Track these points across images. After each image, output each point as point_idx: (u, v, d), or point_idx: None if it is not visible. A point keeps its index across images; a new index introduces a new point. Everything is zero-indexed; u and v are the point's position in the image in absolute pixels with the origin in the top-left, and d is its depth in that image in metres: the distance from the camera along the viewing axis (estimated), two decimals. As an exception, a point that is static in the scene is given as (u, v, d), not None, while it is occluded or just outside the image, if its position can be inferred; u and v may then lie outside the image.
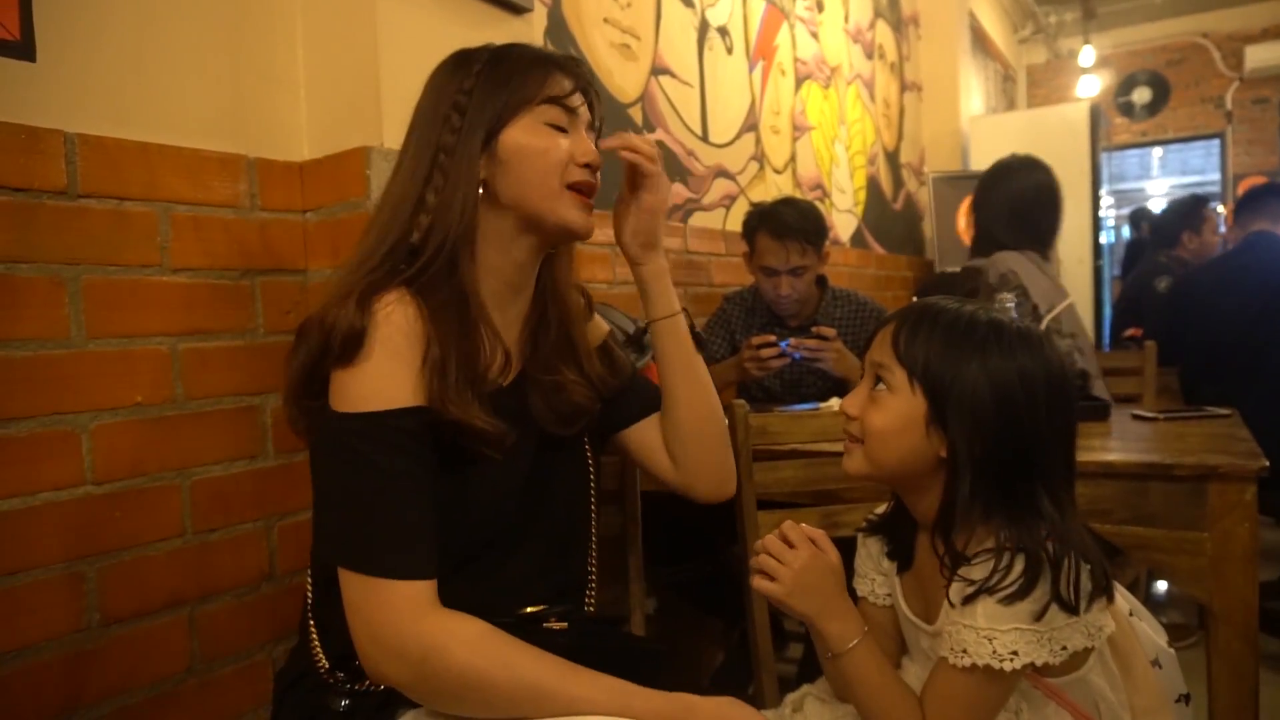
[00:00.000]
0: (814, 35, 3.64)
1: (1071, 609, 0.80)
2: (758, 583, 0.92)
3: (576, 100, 1.00)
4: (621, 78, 2.35)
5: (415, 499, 0.86)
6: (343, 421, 0.87)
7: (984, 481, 0.84)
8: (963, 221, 4.63)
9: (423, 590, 0.84)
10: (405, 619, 0.82)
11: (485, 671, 0.80)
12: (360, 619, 0.84)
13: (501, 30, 1.62)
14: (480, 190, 0.96)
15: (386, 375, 0.87)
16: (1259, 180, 7.48)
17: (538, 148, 0.97)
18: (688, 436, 1.11)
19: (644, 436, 1.14)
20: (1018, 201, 2.08)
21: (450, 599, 0.87)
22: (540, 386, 1.00)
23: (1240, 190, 6.93)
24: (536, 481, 0.99)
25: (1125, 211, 7.55)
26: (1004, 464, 0.84)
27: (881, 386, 0.89)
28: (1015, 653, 0.80)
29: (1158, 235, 3.86)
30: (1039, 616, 0.80)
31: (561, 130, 0.98)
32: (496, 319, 0.98)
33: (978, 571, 0.83)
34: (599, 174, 1.02)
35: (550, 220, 0.97)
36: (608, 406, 1.10)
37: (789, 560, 0.90)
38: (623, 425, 1.14)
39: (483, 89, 0.97)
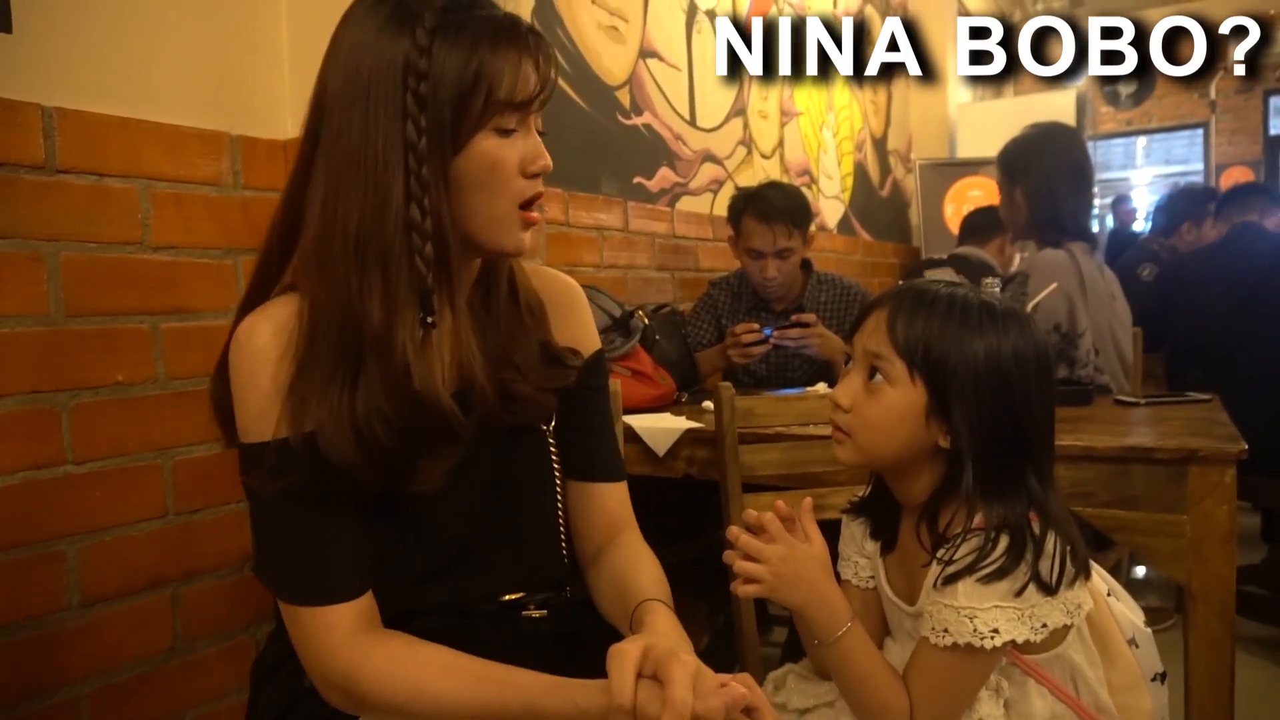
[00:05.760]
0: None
1: (1049, 589, 0.81)
2: (741, 589, 0.88)
3: (538, 102, 0.80)
4: (610, 60, 2.33)
5: (318, 524, 0.81)
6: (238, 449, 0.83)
7: (981, 466, 0.84)
8: (950, 209, 4.64)
9: (341, 615, 0.80)
10: (323, 646, 0.80)
11: (393, 698, 0.78)
12: (295, 644, 0.82)
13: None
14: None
15: (247, 405, 0.81)
16: (1241, 170, 7.55)
17: (487, 166, 0.78)
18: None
19: (577, 500, 1.00)
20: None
21: (428, 599, 0.86)
22: (486, 387, 0.87)
23: (1223, 181, 6.98)
24: (500, 482, 0.91)
25: (1108, 201, 7.59)
26: (999, 447, 0.84)
27: (879, 378, 0.87)
28: (996, 630, 0.80)
29: (1156, 220, 3.85)
30: (1018, 594, 0.80)
31: (510, 132, 0.80)
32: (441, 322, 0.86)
33: (959, 551, 0.83)
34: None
35: (489, 246, 0.82)
36: (564, 436, 0.98)
37: (766, 556, 0.87)
38: (568, 474, 1.00)
39: (441, 73, 0.76)
